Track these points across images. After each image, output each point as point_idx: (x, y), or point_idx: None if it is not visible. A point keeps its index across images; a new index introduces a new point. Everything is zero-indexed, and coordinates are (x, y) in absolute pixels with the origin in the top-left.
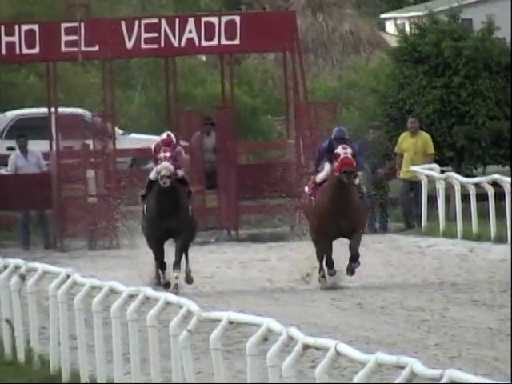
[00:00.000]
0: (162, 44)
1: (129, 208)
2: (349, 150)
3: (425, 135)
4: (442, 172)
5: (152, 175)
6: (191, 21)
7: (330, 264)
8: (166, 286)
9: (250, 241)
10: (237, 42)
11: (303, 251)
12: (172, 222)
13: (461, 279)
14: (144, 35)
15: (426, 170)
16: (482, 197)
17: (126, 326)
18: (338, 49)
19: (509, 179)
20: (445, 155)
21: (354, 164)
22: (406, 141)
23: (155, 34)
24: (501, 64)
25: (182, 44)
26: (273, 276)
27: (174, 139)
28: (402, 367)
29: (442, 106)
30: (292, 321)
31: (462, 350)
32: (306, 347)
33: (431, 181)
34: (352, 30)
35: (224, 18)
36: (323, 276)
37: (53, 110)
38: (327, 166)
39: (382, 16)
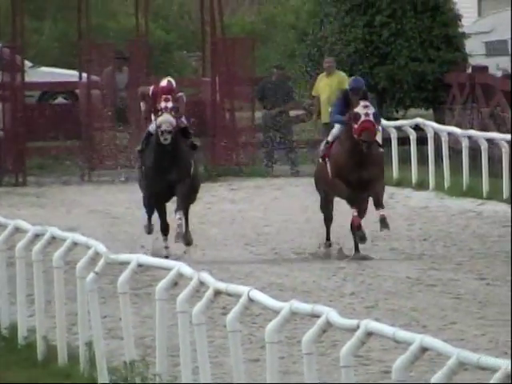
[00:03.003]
0: None
1: (36, 144)
2: (370, 110)
3: (341, 74)
4: None
5: (151, 127)
6: None
7: (352, 202)
8: (168, 256)
9: None
10: None
11: (215, 193)
12: (173, 177)
13: (378, 226)
14: None
15: None
16: (403, 141)
17: (31, 267)
18: None
19: (432, 123)
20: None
21: (376, 128)
22: (321, 81)
23: None
24: (427, 3)
25: None
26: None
27: (174, 85)
28: (317, 316)
29: (364, 45)
30: (203, 265)
31: (379, 300)
32: (217, 293)
33: None
34: None
35: None
36: (329, 245)
37: None
38: (341, 119)
39: None
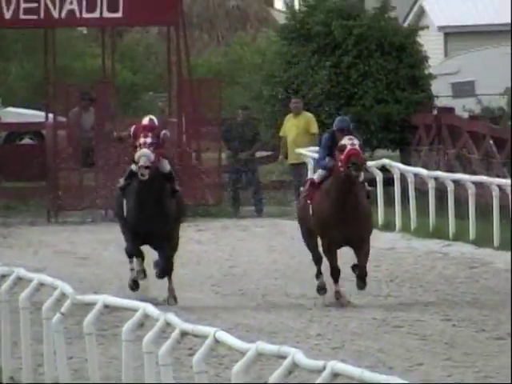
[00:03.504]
0: (42, 15)
1: (2, 184)
2: (356, 142)
3: (308, 115)
4: None
5: (134, 166)
6: None
7: (336, 275)
8: (140, 273)
9: None
10: (119, 14)
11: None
12: (152, 226)
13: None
14: (23, 5)
15: (312, 153)
16: (369, 182)
17: None
18: (224, 24)
19: (398, 164)
20: None
21: (363, 156)
22: (289, 122)
23: (35, 4)
24: (393, 44)
25: (63, 15)
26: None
27: (157, 123)
28: (283, 357)
29: (331, 86)
30: (169, 306)
31: (346, 341)
32: (183, 334)
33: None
34: (239, 5)
35: None
36: (322, 287)
37: None
38: (328, 161)
39: None
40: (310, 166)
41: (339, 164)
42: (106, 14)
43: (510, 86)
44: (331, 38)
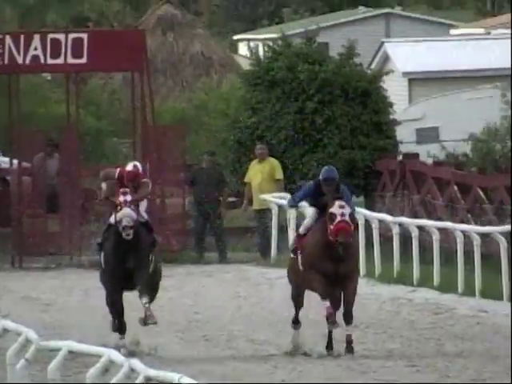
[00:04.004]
0: (6, 61)
1: None
2: (347, 210)
3: (273, 161)
4: None
5: (112, 219)
6: (37, 37)
7: (325, 295)
8: (131, 354)
9: (91, 267)
10: (84, 60)
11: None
12: (132, 271)
13: (310, 313)
14: None
15: (277, 199)
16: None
17: None
18: (189, 70)
19: (363, 210)
20: (297, 184)
21: (353, 228)
22: (253, 168)
23: None
24: (358, 90)
25: (27, 61)
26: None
27: (141, 170)
28: None
29: (295, 132)
30: (135, 352)
31: None
32: (148, 380)
33: (282, 210)
34: (203, 51)
35: (71, 36)
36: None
37: None
38: (311, 211)
39: (235, 37)
40: (275, 211)
41: (329, 231)
42: (71, 60)
43: (473, 131)
44: (296, 84)
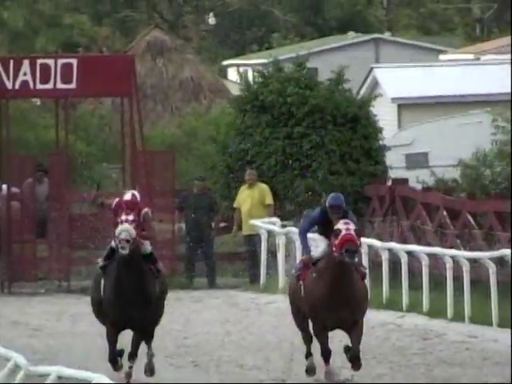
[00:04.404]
0: None
1: None
2: (351, 226)
3: (263, 186)
4: (283, 226)
5: (113, 243)
6: (26, 63)
7: (327, 355)
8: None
9: (80, 293)
10: (73, 85)
11: None
12: (132, 308)
13: (300, 338)
14: None
15: (266, 224)
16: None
17: None
18: (178, 95)
19: None
20: (286, 209)
21: (358, 242)
22: (243, 193)
23: None
24: (347, 115)
25: (16, 86)
26: (104, 330)
27: (139, 200)
28: None
29: (284, 157)
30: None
31: None
32: None
33: (271, 235)
34: (193, 77)
35: (60, 61)
36: (312, 369)
37: None
38: (322, 242)
39: (224, 63)
40: (264, 237)
41: (333, 249)
42: (60, 85)
43: (462, 157)
44: (285, 108)
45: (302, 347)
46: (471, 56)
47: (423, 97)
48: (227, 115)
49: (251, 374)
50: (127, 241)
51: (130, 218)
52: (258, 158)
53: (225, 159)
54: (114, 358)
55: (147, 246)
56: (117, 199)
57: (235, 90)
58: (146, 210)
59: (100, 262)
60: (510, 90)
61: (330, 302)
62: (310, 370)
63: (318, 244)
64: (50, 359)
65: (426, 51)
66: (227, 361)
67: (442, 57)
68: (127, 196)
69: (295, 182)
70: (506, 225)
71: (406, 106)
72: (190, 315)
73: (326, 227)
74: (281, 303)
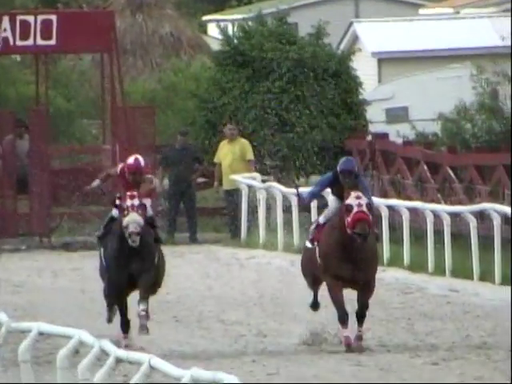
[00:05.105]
0: None
1: None
2: (363, 201)
3: (243, 141)
4: (264, 181)
5: (115, 212)
6: (6, 19)
7: (344, 318)
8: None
9: (62, 249)
10: (53, 42)
11: None
12: (136, 270)
13: (280, 293)
14: None
15: (247, 179)
16: (304, 208)
17: None
18: (158, 51)
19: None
20: (266, 164)
21: (370, 219)
22: (224, 148)
23: None
24: (328, 70)
25: None
26: (85, 286)
27: (143, 164)
28: (218, 383)
29: (264, 112)
30: (104, 333)
31: (281, 367)
32: (118, 361)
33: (252, 190)
34: (172, 32)
35: (40, 17)
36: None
37: None
38: (333, 202)
39: (204, 18)
40: (245, 192)
41: (346, 223)
42: (40, 42)
43: (442, 111)
44: (266, 63)
45: (283, 301)
46: (451, 10)
47: (403, 51)
48: (207, 70)
49: (232, 329)
50: (137, 233)
51: (136, 203)
52: (238, 112)
53: (205, 114)
54: (111, 310)
55: (149, 211)
56: (121, 165)
57: (215, 46)
58: (149, 175)
59: (99, 232)
60: (491, 44)
61: (344, 256)
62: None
63: (331, 204)
64: (31, 315)
65: (405, 5)
66: (208, 316)
67: (421, 11)
68: (130, 160)
69: (275, 136)
70: (486, 178)
71: (386, 61)
72: (171, 270)
73: (338, 190)
74: (261, 258)
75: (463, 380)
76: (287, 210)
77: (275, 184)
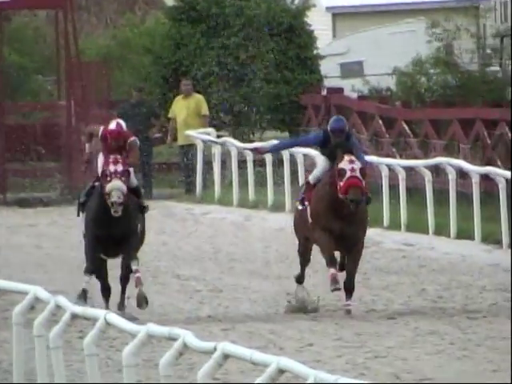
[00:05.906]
0: None
1: None
2: (356, 165)
3: (198, 96)
4: (219, 137)
5: (97, 182)
6: None
7: (333, 260)
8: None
9: (17, 205)
10: None
11: (72, 217)
12: (117, 236)
13: (236, 248)
14: None
15: (202, 135)
16: (259, 163)
17: None
18: (112, 7)
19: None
20: (221, 119)
21: (364, 185)
22: (178, 103)
23: None
24: (282, 25)
25: None
26: (41, 242)
27: (124, 128)
28: (174, 339)
29: (219, 67)
30: (60, 289)
31: (237, 323)
32: (74, 317)
33: (207, 145)
34: None
35: None
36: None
37: None
38: (323, 162)
39: None
40: (200, 147)
41: (338, 188)
42: None
43: (397, 65)
44: (221, 19)
45: (238, 256)
46: None
47: (357, 5)
48: (162, 25)
49: (188, 284)
50: (120, 204)
51: (119, 168)
52: (192, 67)
53: (160, 69)
54: (103, 285)
55: (133, 180)
56: (102, 128)
57: (170, 1)
58: (132, 138)
59: (81, 198)
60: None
61: (335, 214)
62: (300, 302)
63: (321, 164)
64: None
65: None
66: (164, 271)
67: None
68: (112, 125)
69: (230, 91)
70: (441, 133)
71: (341, 15)
72: None
73: (328, 150)
74: (217, 213)
75: (418, 334)
76: (242, 164)
77: (230, 139)
